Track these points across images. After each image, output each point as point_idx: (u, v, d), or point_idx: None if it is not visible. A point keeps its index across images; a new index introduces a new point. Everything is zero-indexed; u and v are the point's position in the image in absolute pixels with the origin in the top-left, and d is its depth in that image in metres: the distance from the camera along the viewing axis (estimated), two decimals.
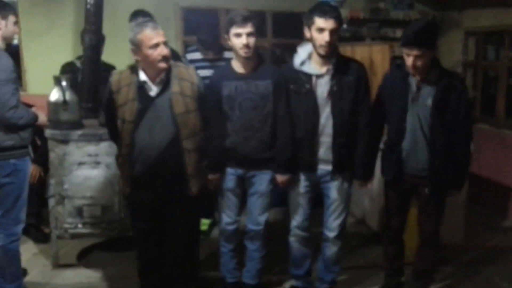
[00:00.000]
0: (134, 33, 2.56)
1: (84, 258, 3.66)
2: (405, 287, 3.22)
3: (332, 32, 2.64)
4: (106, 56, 3.97)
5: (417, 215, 3.06)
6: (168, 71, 2.63)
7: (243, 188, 3.00)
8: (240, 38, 2.70)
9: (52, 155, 3.36)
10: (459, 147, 2.85)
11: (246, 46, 2.70)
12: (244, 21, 2.68)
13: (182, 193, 2.71)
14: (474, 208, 4.41)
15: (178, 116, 2.60)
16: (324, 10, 2.64)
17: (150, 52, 2.53)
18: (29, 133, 2.97)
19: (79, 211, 3.36)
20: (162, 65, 2.57)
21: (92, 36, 3.86)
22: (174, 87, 2.63)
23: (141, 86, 2.62)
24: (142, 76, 2.61)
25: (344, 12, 5.32)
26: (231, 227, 3.01)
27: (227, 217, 3.00)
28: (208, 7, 5.19)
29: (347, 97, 2.76)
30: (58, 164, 3.33)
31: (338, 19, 2.67)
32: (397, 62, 2.94)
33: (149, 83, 2.62)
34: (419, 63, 2.67)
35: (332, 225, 2.98)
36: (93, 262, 3.59)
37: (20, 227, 3.02)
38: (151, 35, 2.52)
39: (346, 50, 4.50)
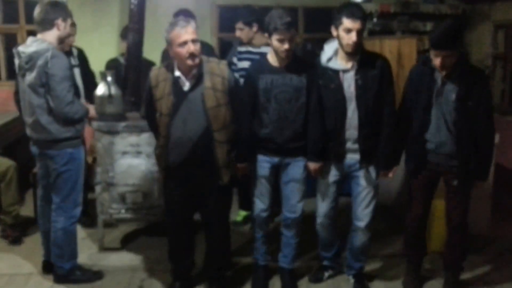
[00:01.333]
0: (167, 32, 2.65)
1: (127, 243, 3.76)
2: (439, 277, 3.21)
3: (359, 32, 2.67)
4: (147, 53, 4.07)
5: (445, 205, 3.05)
6: (200, 66, 2.69)
7: (276, 177, 3.03)
8: (282, 43, 2.73)
9: (98, 145, 3.48)
10: (483, 139, 2.85)
11: (287, 51, 2.75)
12: (288, 29, 2.71)
13: (214, 183, 2.78)
14: (501, 199, 4.32)
15: (209, 110, 2.67)
16: (352, 11, 2.66)
17: (179, 49, 2.61)
18: (82, 125, 3.10)
19: (122, 198, 3.48)
20: (189, 62, 2.63)
21: (135, 34, 3.97)
22: (206, 82, 2.69)
23: (176, 81, 2.70)
24: (177, 72, 2.70)
25: (375, 6, 5.29)
26: (265, 214, 3.05)
27: (261, 204, 3.03)
28: (243, 4, 5.22)
29: (372, 90, 2.80)
30: (104, 154, 3.44)
31: (364, 19, 2.71)
32: (426, 55, 2.92)
33: (183, 78, 2.69)
34: (447, 62, 2.68)
35: (362, 214, 2.99)
36: (135, 246, 3.69)
37: (78, 210, 3.16)
38: (180, 33, 2.59)
39: (375, 43, 4.47)
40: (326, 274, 3.27)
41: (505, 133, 4.52)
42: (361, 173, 2.93)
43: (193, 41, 2.61)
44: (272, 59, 2.87)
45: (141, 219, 3.62)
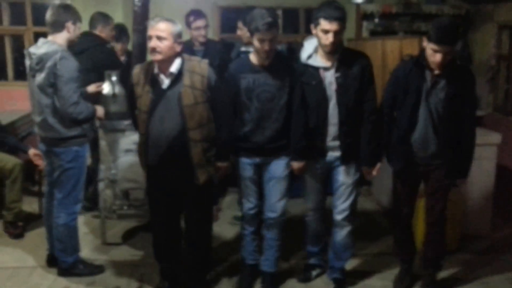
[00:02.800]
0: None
1: (128, 238, 3.83)
2: (421, 275, 3.22)
3: (336, 33, 2.68)
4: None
5: (424, 203, 3.09)
6: (182, 64, 2.70)
7: (260, 176, 3.04)
8: (263, 43, 2.73)
9: (102, 143, 3.55)
10: (467, 137, 2.88)
11: (268, 51, 2.75)
12: (269, 29, 2.70)
13: (191, 182, 2.76)
14: (503, 200, 4.31)
15: (185, 108, 2.65)
16: (329, 13, 2.65)
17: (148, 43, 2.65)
18: (89, 124, 3.17)
19: (125, 194, 3.54)
20: (152, 56, 2.63)
21: (139, 35, 4.06)
22: (186, 80, 2.69)
23: (154, 78, 2.70)
24: (156, 69, 2.70)
25: (376, 7, 5.33)
26: (252, 211, 3.06)
27: (248, 203, 3.05)
28: (244, 5, 5.30)
29: (352, 88, 2.81)
30: (107, 151, 3.51)
31: (343, 21, 2.69)
32: (411, 55, 2.98)
33: (162, 76, 2.69)
34: (447, 59, 2.68)
35: (340, 208, 3.00)
36: (136, 242, 3.76)
37: (79, 206, 3.24)
38: (150, 27, 2.64)
39: (377, 43, 4.52)
40: (314, 273, 3.27)
41: (509, 134, 4.55)
42: (340, 169, 2.95)
43: (158, 37, 2.59)
44: (254, 58, 2.87)
45: (142, 215, 3.67)
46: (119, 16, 5.13)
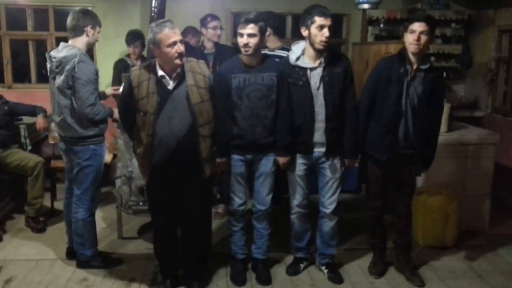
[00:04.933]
0: (154, 33, 2.63)
1: (144, 232, 3.89)
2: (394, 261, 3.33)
3: (330, 28, 2.82)
4: None
5: (393, 195, 3.17)
6: (182, 65, 2.72)
7: (250, 172, 3.09)
8: (241, 38, 2.81)
9: (119, 142, 3.60)
10: (434, 131, 3.04)
11: (246, 45, 2.80)
12: (246, 22, 2.78)
13: (197, 177, 2.80)
14: (501, 197, 4.34)
15: (195, 106, 2.69)
16: (322, 10, 2.82)
17: (168, 50, 2.62)
18: (106, 124, 3.22)
19: (140, 191, 3.59)
20: (178, 61, 2.65)
21: None
22: (189, 79, 2.72)
23: (159, 80, 2.70)
24: (160, 71, 2.70)
25: (381, 13, 5.34)
26: (242, 208, 3.10)
27: (238, 199, 3.08)
28: (256, 11, 5.34)
29: (337, 86, 2.92)
30: (124, 150, 3.55)
31: (333, 18, 2.86)
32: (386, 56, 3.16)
33: (167, 78, 2.71)
34: (422, 39, 2.81)
35: (328, 202, 3.09)
36: (151, 236, 3.67)
37: (96, 202, 3.31)
38: (169, 34, 2.61)
39: (381, 47, 4.53)
40: (301, 266, 3.31)
41: (507, 134, 4.57)
42: (327, 165, 3.03)
43: (181, 41, 2.65)
44: (244, 58, 2.91)
45: None
46: (136, 21, 5.22)
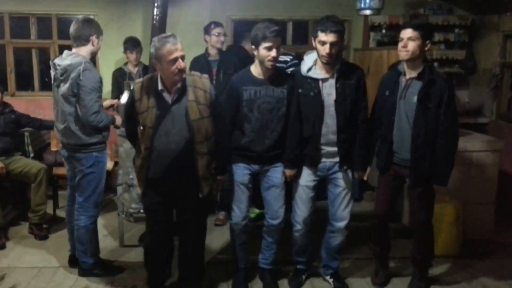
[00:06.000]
0: (155, 48, 2.61)
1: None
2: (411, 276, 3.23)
3: (332, 45, 2.76)
4: None
5: (409, 206, 3.12)
6: (184, 79, 2.69)
7: (254, 184, 3.06)
8: (270, 51, 2.77)
9: (120, 150, 3.64)
10: (443, 143, 2.87)
11: (275, 59, 2.80)
12: (276, 35, 2.76)
13: (194, 194, 2.77)
14: (505, 204, 4.27)
15: (193, 122, 2.66)
16: (326, 26, 2.75)
17: (169, 65, 2.60)
18: (109, 132, 3.25)
19: (141, 198, 3.64)
20: (177, 77, 2.63)
21: None
22: (190, 95, 2.69)
23: (159, 94, 2.68)
24: (160, 86, 2.68)
25: (384, 18, 5.34)
26: (244, 222, 3.05)
27: (240, 212, 3.03)
28: (256, 18, 5.38)
29: (349, 98, 2.90)
30: (125, 157, 3.59)
31: (339, 33, 2.76)
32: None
33: (166, 92, 2.69)
34: (410, 45, 2.78)
35: (342, 215, 3.03)
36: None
37: (99, 210, 3.32)
38: (171, 50, 2.58)
39: (382, 53, 4.54)
40: (303, 277, 3.28)
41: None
42: (339, 175, 2.99)
43: (182, 57, 2.62)
44: (255, 71, 2.91)
45: None
46: (138, 30, 5.25)
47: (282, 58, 3.67)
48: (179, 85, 2.70)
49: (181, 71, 2.64)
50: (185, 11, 5.30)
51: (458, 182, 3.82)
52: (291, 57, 3.85)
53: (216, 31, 4.16)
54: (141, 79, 2.85)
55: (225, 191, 3.42)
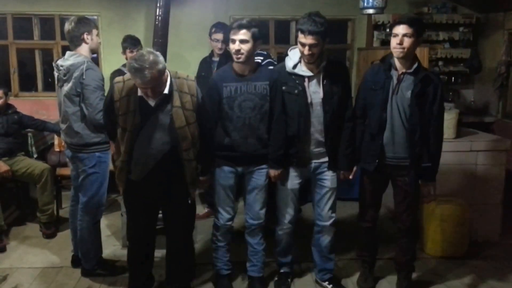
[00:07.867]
0: (129, 71, 2.47)
1: None
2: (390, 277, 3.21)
3: (312, 46, 2.66)
4: (170, 64, 4.25)
5: (394, 207, 3.03)
6: (170, 84, 2.58)
7: (239, 185, 2.98)
8: (233, 44, 2.71)
9: None
10: (434, 139, 2.83)
11: (238, 51, 2.70)
12: (238, 28, 2.68)
13: (181, 199, 2.72)
14: None
15: (178, 130, 2.58)
16: (305, 27, 2.64)
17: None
18: None
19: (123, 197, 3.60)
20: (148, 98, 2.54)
21: (160, 47, 4.18)
22: (175, 101, 2.58)
23: (142, 97, 2.56)
24: (140, 91, 2.55)
25: (387, 17, 5.32)
26: (229, 223, 3.00)
27: (226, 213, 2.97)
28: (258, 18, 5.37)
29: (336, 95, 2.81)
30: None
31: (318, 35, 2.64)
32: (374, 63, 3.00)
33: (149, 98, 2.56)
34: (405, 42, 2.68)
35: (328, 215, 2.99)
36: (156, 244, 3.83)
37: (102, 210, 3.31)
38: (140, 85, 2.47)
39: (386, 52, 4.49)
40: (289, 280, 3.20)
41: None
42: (326, 176, 2.92)
43: (152, 88, 2.49)
44: (236, 67, 2.81)
45: (160, 219, 3.74)
46: (141, 30, 5.26)
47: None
48: (165, 90, 2.56)
49: (152, 94, 2.52)
50: (187, 11, 5.31)
51: (463, 183, 3.79)
52: (261, 58, 3.73)
53: (215, 36, 4.10)
54: (121, 78, 2.68)
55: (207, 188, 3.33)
